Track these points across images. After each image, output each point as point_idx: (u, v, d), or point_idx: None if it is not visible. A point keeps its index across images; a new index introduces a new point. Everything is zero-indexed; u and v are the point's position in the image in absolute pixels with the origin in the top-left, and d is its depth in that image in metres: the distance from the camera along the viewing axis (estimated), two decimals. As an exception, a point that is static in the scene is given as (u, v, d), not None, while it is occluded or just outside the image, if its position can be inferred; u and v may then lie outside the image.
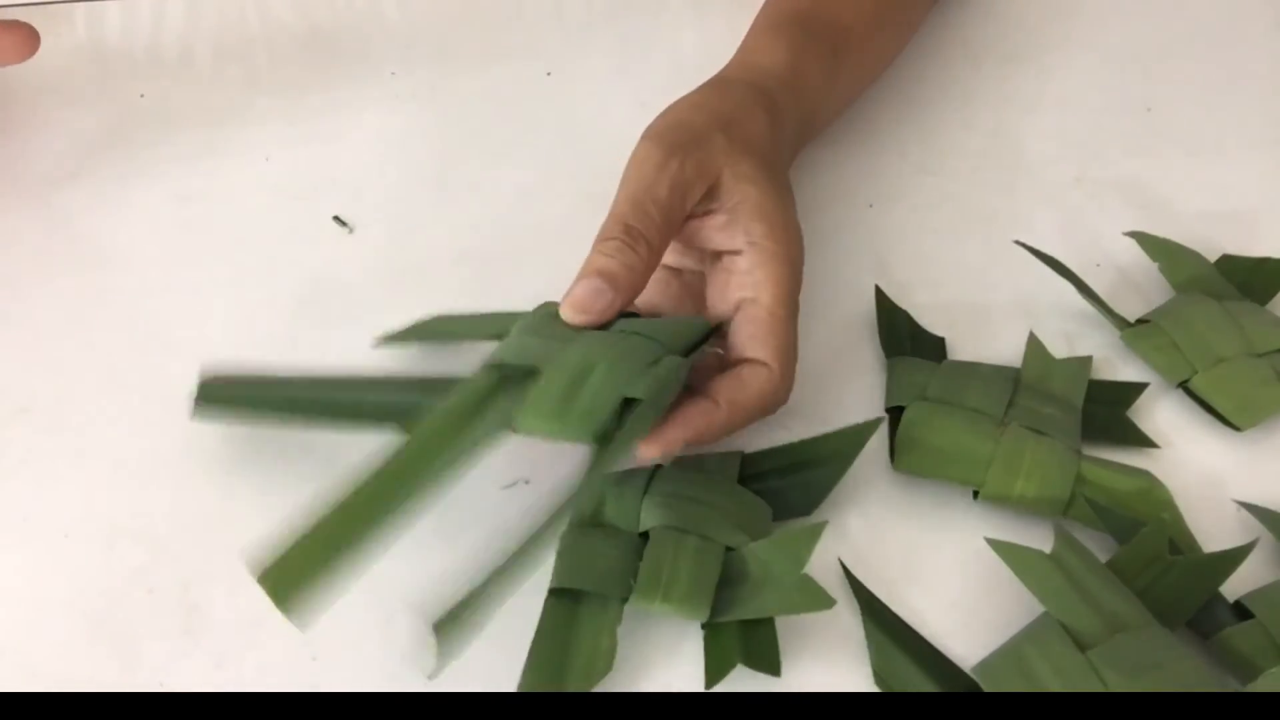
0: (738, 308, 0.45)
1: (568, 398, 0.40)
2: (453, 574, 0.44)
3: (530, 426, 0.40)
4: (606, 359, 0.41)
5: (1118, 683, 0.37)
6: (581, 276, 0.43)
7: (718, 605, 0.41)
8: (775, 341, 0.44)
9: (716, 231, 0.46)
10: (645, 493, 0.43)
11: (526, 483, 0.46)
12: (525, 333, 0.43)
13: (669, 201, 0.44)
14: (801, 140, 0.54)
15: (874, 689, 0.41)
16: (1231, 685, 0.40)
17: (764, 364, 0.44)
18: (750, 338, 0.45)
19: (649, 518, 0.43)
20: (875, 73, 0.60)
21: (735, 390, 0.43)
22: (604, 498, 0.44)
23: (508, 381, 0.41)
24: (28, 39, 0.52)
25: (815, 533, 0.41)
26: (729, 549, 0.42)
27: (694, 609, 0.41)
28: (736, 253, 0.46)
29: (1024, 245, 0.52)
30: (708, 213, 0.46)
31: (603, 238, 0.44)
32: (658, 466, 0.45)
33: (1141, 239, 0.53)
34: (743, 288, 0.45)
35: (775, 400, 0.45)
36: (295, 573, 0.35)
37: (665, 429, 0.42)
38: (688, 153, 0.45)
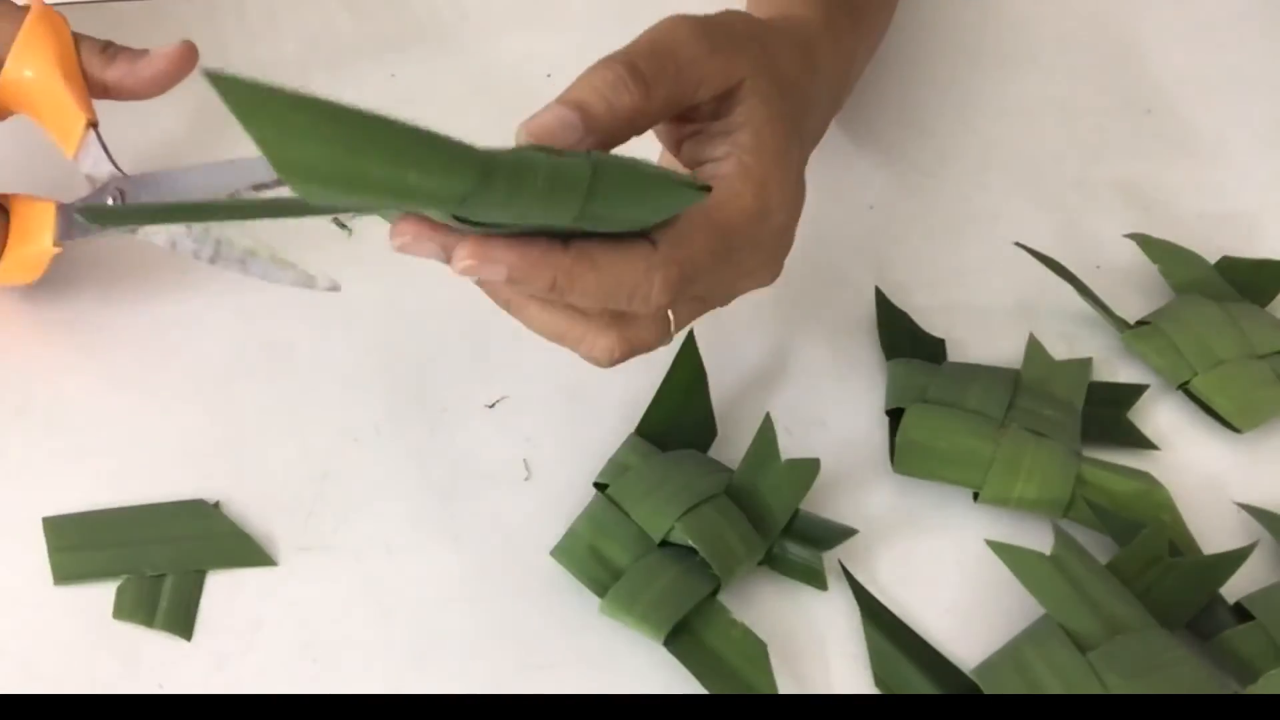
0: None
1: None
2: (453, 575, 0.44)
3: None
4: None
5: (1118, 685, 0.37)
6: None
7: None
8: (691, 240, 0.36)
9: (708, 141, 0.40)
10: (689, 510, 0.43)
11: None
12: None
13: (687, 71, 0.37)
14: (835, 107, 0.49)
15: (874, 690, 0.41)
16: (1232, 687, 0.40)
17: (652, 243, 0.35)
18: (659, 226, 0.36)
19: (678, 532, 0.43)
20: (876, 47, 0.58)
21: (602, 249, 0.34)
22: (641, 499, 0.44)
23: None
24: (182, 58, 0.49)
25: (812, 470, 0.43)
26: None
27: (653, 628, 0.41)
28: (715, 160, 0.39)
29: (1024, 247, 0.52)
30: (712, 119, 0.39)
31: (598, 66, 0.36)
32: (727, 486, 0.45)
33: (1141, 241, 0.53)
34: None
35: (644, 282, 0.35)
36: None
37: (492, 244, 0.33)
38: (720, 44, 0.38)
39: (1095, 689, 0.37)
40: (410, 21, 0.64)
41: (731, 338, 0.51)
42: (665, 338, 0.39)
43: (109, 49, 0.50)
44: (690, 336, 0.48)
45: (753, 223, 0.38)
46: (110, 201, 0.49)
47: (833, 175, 0.58)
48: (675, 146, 0.41)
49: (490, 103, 0.61)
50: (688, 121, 0.40)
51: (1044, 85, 0.62)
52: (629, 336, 0.38)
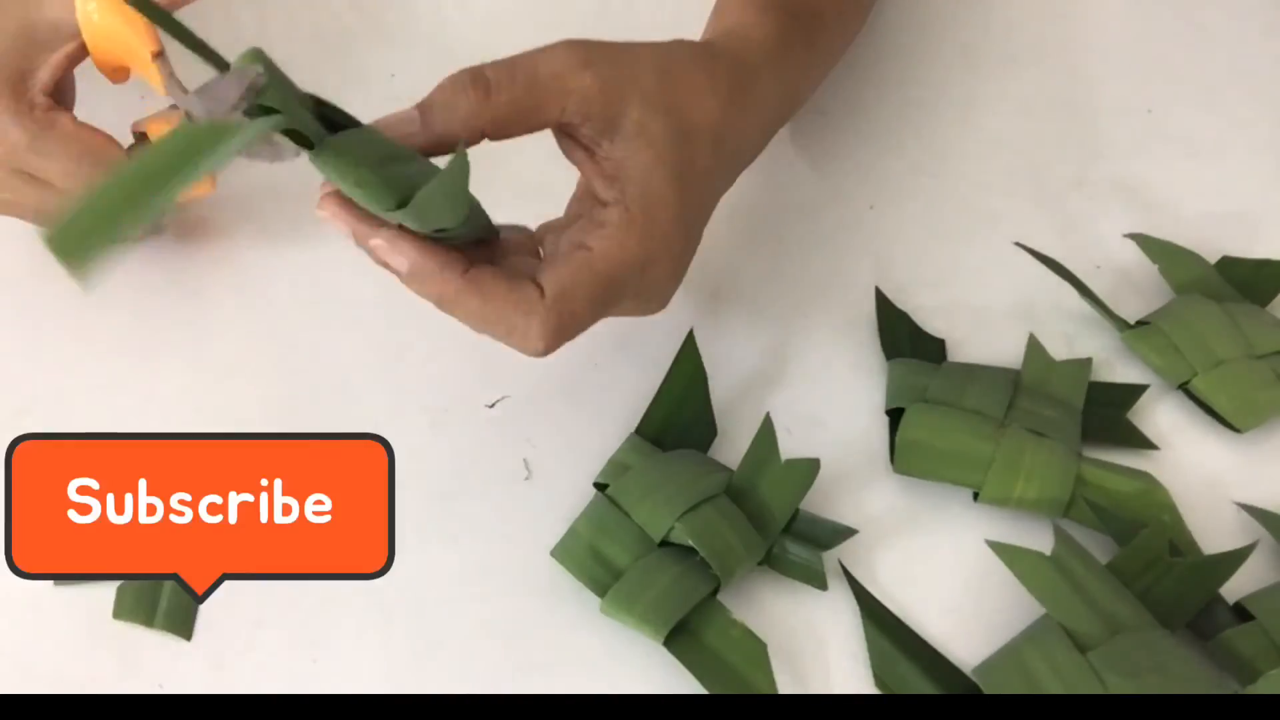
0: (564, 250, 0.41)
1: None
2: (453, 575, 0.44)
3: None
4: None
5: (1118, 684, 0.37)
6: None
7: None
8: (574, 293, 0.39)
9: (598, 178, 0.41)
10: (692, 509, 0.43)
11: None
12: None
13: (543, 84, 0.39)
14: (782, 119, 0.50)
15: (874, 690, 0.41)
16: (1232, 687, 0.40)
17: (540, 290, 0.39)
18: (549, 268, 0.39)
19: (678, 532, 0.43)
20: (838, 59, 0.59)
21: (494, 282, 0.38)
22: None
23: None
24: None
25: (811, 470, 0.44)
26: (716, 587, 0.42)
27: (653, 628, 0.41)
28: (603, 205, 0.41)
29: (1024, 247, 0.52)
30: (594, 149, 0.41)
31: (448, 76, 0.39)
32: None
33: (1142, 241, 0.53)
34: (583, 232, 0.41)
35: (522, 323, 0.39)
36: (82, 236, 0.31)
37: (403, 237, 0.38)
38: (601, 67, 0.40)
39: (1095, 689, 0.37)
40: (414, 19, 0.64)
41: (731, 338, 0.51)
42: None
43: None
44: (690, 336, 0.48)
45: (635, 273, 0.40)
46: None
47: (833, 175, 0.58)
48: (576, 163, 0.43)
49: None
50: (573, 139, 0.41)
51: (1044, 85, 0.62)
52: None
